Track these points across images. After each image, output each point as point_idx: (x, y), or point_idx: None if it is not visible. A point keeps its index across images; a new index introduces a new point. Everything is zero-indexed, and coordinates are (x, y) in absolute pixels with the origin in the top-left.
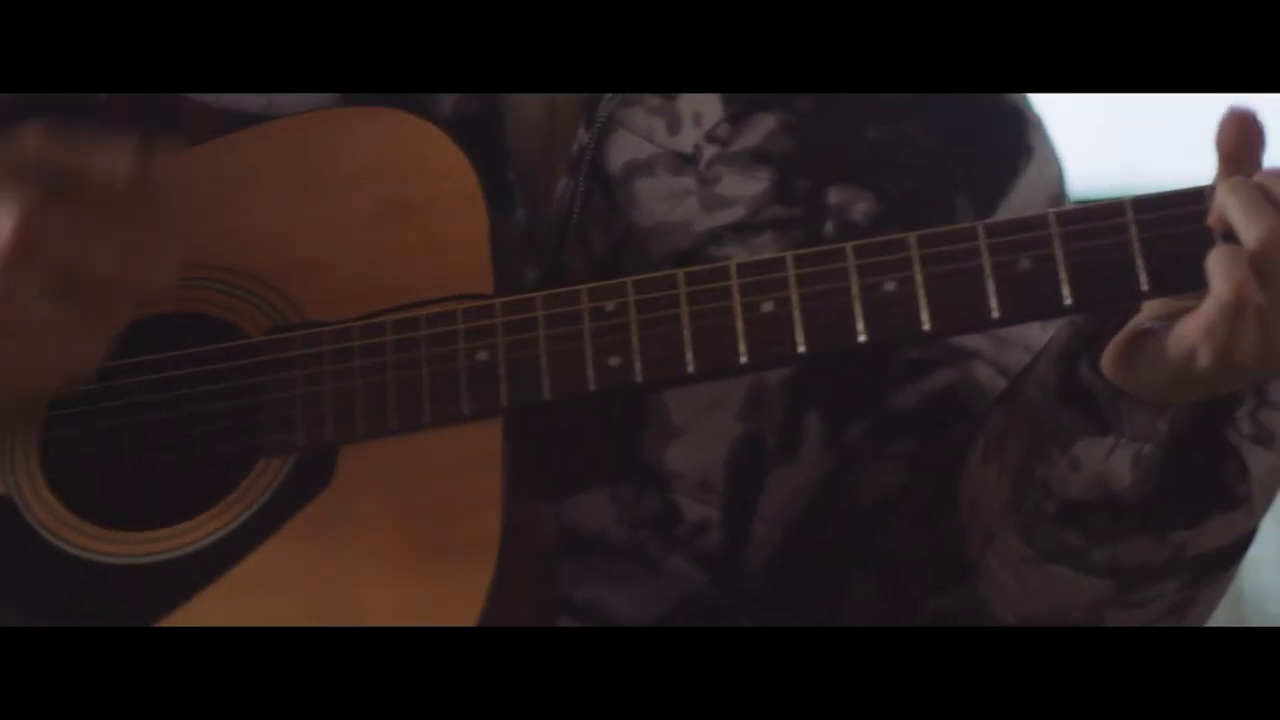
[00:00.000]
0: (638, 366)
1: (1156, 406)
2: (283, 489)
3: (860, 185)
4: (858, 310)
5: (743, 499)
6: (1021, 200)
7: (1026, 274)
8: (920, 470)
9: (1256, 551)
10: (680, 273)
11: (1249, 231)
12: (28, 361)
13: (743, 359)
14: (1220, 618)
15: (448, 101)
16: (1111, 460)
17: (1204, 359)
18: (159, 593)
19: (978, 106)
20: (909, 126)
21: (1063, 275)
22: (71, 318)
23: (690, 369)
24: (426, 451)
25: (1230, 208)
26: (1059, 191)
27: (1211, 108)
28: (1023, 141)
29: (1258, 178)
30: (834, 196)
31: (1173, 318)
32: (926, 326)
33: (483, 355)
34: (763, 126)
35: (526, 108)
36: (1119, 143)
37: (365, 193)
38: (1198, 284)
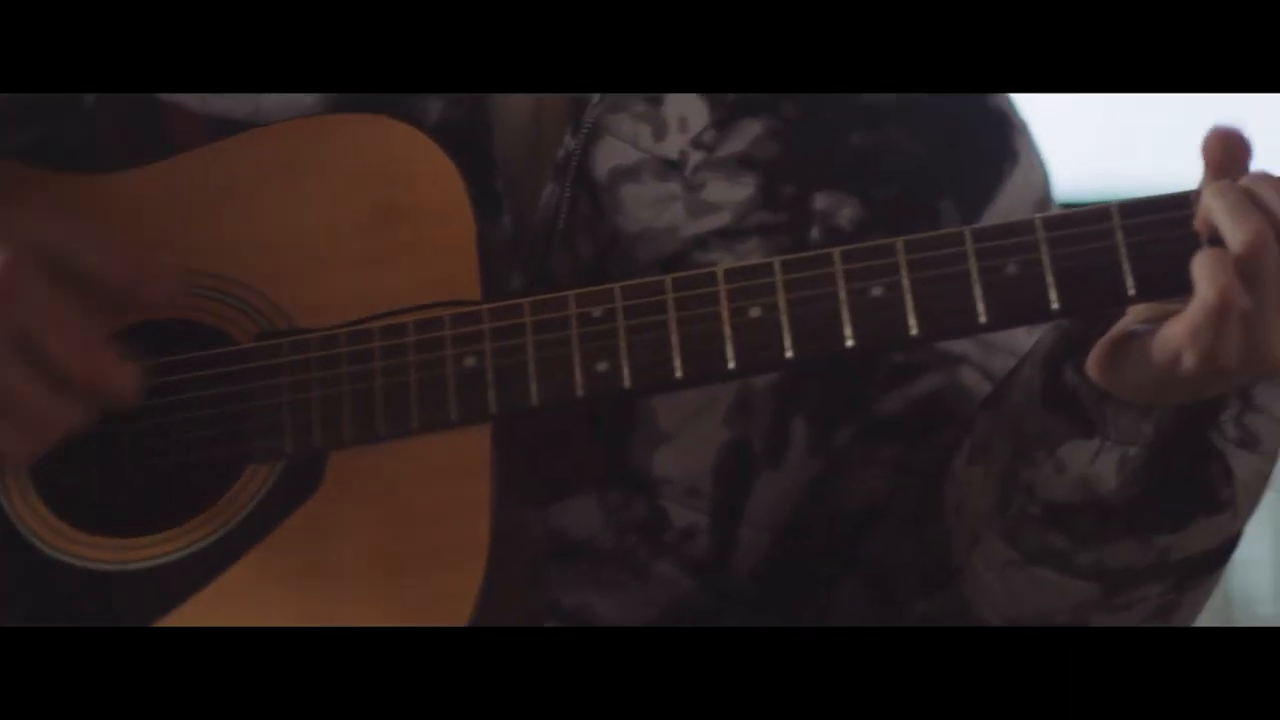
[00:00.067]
0: (626, 372)
1: (1142, 410)
2: (271, 495)
3: (846, 191)
4: (845, 315)
5: (730, 504)
6: (1007, 205)
7: (1013, 279)
8: (907, 475)
9: (1246, 553)
10: (668, 278)
11: (1235, 235)
12: None
13: (730, 364)
14: (1209, 620)
15: (434, 108)
16: (1097, 463)
17: (1189, 362)
18: (149, 599)
19: (963, 112)
20: (894, 132)
21: (1049, 280)
22: (26, 387)
23: (678, 374)
24: (415, 457)
25: (1216, 211)
26: (1044, 196)
27: (1204, 108)
28: (1008, 146)
29: (1244, 181)
30: (820, 202)
31: (1158, 321)
32: (914, 331)
33: (471, 361)
34: (748, 132)
35: (512, 115)
36: (1115, 144)
37: (352, 199)
38: (1184, 288)
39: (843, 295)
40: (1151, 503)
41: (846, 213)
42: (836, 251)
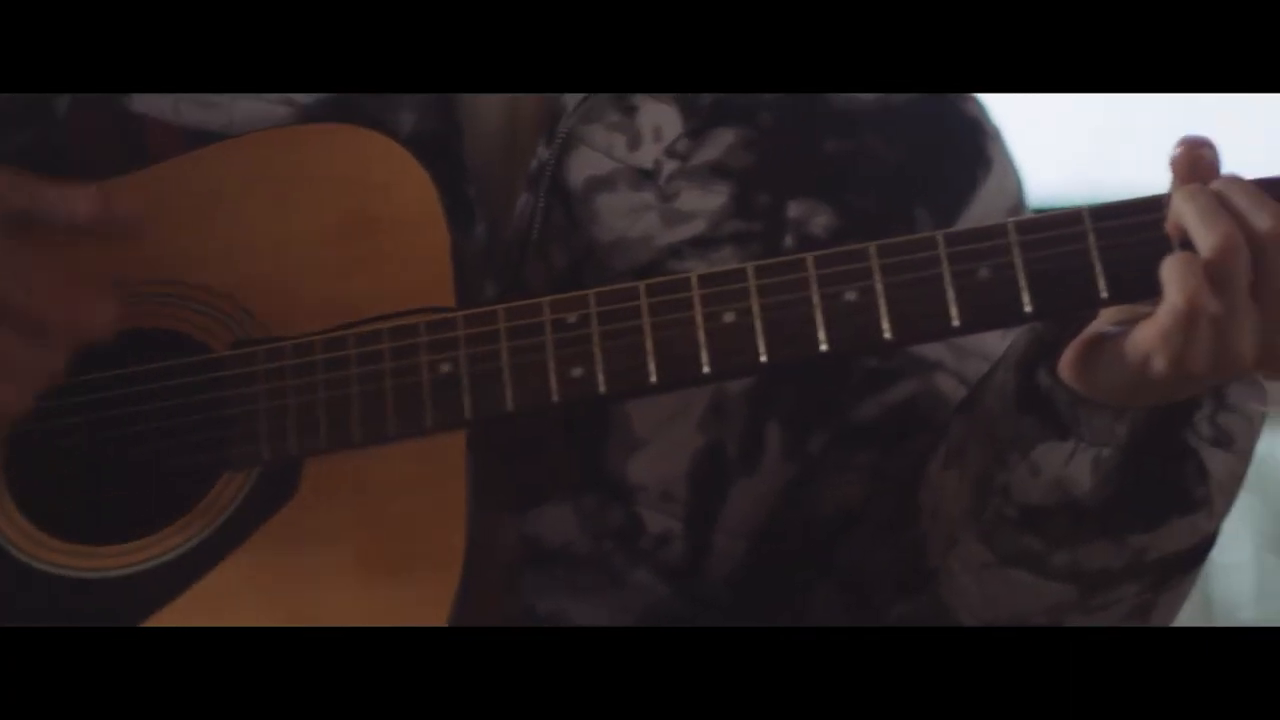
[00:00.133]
0: (600, 377)
1: (1115, 411)
2: (248, 502)
3: (820, 199)
4: (819, 320)
5: (705, 510)
6: (980, 212)
7: (986, 282)
8: (883, 481)
9: (1226, 558)
10: (642, 284)
11: (1204, 239)
12: None
13: (705, 369)
14: (1190, 623)
15: (407, 119)
16: (1071, 465)
17: (1159, 366)
18: (126, 606)
19: (936, 119)
20: (868, 140)
21: (1022, 283)
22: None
23: (653, 379)
24: (390, 463)
25: (1186, 215)
26: (1018, 202)
27: (1194, 109)
28: (982, 153)
29: (1215, 185)
30: (794, 210)
31: (1131, 322)
32: (888, 335)
33: (446, 368)
34: (722, 141)
35: (486, 125)
36: (1101, 149)
37: (327, 208)
38: (1156, 291)
39: (816, 300)
40: (1126, 503)
41: (820, 221)
42: (810, 257)
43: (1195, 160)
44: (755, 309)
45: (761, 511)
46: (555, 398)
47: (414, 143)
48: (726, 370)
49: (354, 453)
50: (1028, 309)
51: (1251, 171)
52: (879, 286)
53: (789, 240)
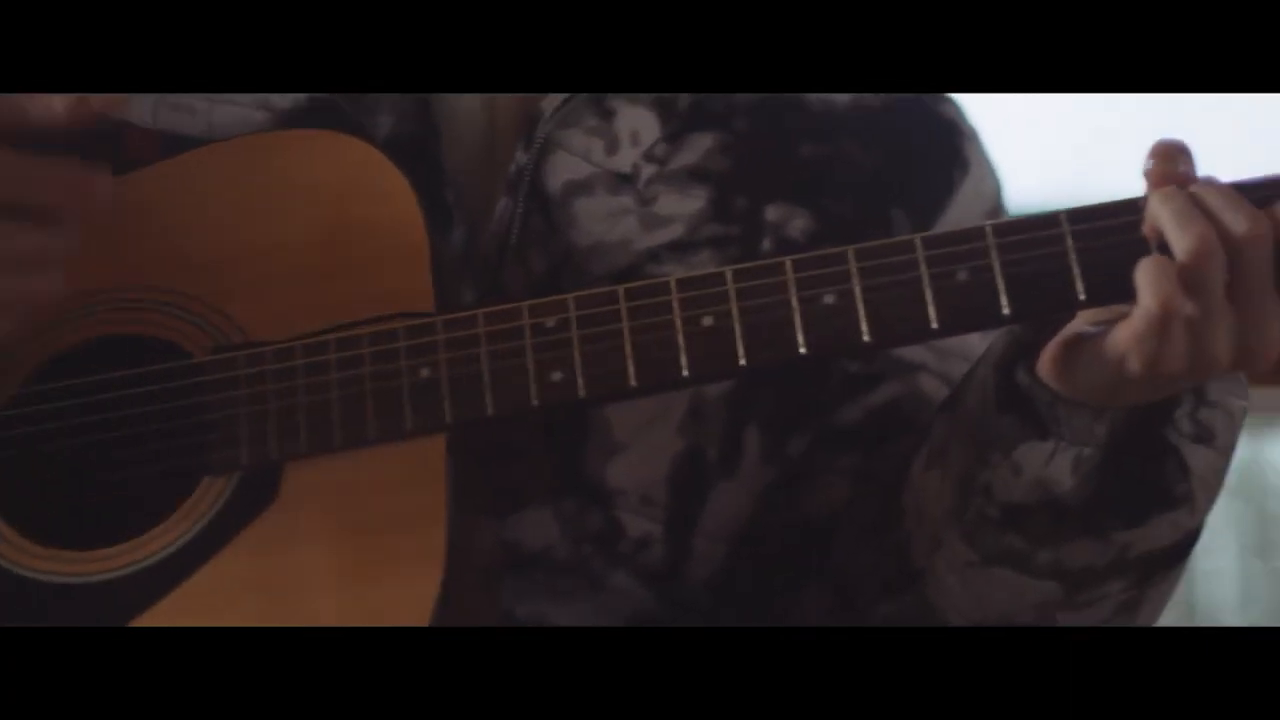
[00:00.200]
0: (580, 381)
1: (1095, 410)
2: (228, 506)
3: (797, 202)
4: (798, 323)
5: (685, 513)
6: (958, 214)
7: (964, 285)
8: (866, 484)
9: (1210, 564)
10: (620, 289)
11: (1180, 242)
12: None
13: (684, 373)
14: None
15: (385, 123)
16: (1052, 465)
17: (1134, 367)
18: (108, 611)
19: (913, 122)
20: (844, 144)
21: (1000, 286)
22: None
23: (632, 383)
24: (371, 468)
25: (1162, 218)
26: (996, 205)
27: (1177, 111)
28: (959, 155)
29: (1192, 188)
30: (771, 214)
31: (1110, 322)
32: (866, 338)
33: (425, 372)
34: (700, 145)
35: (464, 130)
36: (1098, 149)
37: (306, 214)
38: (1134, 294)
39: (795, 303)
40: (1108, 501)
41: (798, 224)
42: (788, 260)
43: (1169, 165)
44: (734, 313)
45: (741, 515)
46: (535, 401)
47: (391, 146)
48: (705, 374)
49: (334, 457)
50: (1006, 311)
51: (1231, 174)
52: (857, 290)
53: (767, 244)
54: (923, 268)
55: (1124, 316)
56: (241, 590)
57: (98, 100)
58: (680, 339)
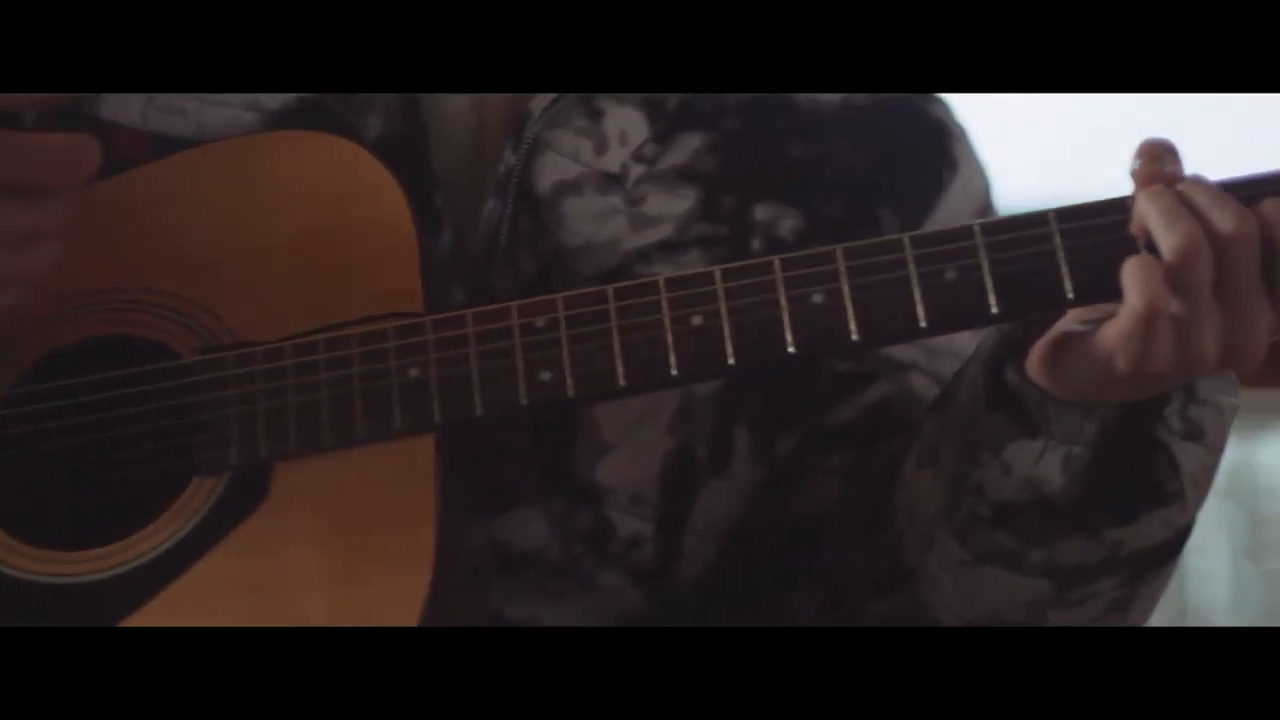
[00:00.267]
0: (569, 381)
1: (1084, 408)
2: (218, 506)
3: (786, 202)
4: (786, 322)
5: (675, 512)
6: (948, 214)
7: (952, 284)
8: (858, 483)
9: (1201, 565)
10: (609, 288)
11: (1166, 240)
12: None
13: (673, 372)
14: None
15: (374, 125)
16: (1042, 463)
17: (1121, 366)
18: (98, 612)
19: (901, 121)
20: (834, 143)
21: (988, 285)
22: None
23: (621, 383)
24: (360, 468)
25: (1149, 216)
26: (985, 204)
27: (1171, 111)
28: (947, 155)
29: (1179, 186)
30: (760, 214)
31: (1098, 321)
32: (855, 337)
33: (414, 372)
34: (689, 145)
35: (453, 131)
36: (1093, 148)
37: (295, 215)
38: (1122, 293)
39: (783, 302)
40: (1098, 499)
41: (788, 224)
42: (776, 260)
43: (1156, 164)
44: (723, 312)
45: (731, 514)
46: (524, 401)
47: (381, 148)
48: (694, 373)
49: (323, 457)
50: (994, 310)
51: (1234, 173)
52: (845, 289)
53: (756, 243)
54: (911, 267)
55: (1112, 315)
56: (231, 590)
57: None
58: (669, 338)
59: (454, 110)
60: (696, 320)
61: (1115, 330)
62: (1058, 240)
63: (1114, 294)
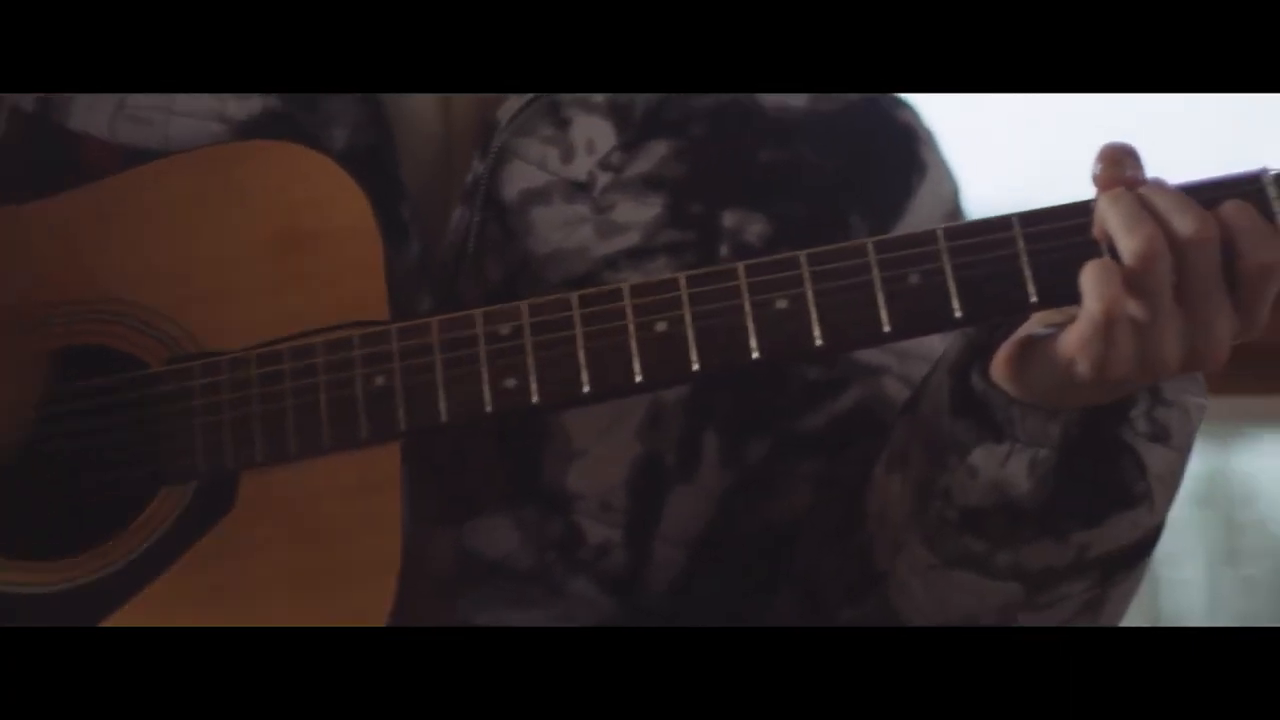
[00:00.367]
0: (534, 388)
1: (1048, 412)
2: (185, 516)
3: (754, 208)
4: (750, 328)
5: (644, 518)
6: (917, 218)
7: (916, 289)
8: (830, 489)
9: (1177, 573)
10: (574, 295)
11: (1127, 244)
12: None
13: (638, 379)
14: None
15: (341, 135)
16: (1008, 467)
17: (1082, 371)
18: (65, 620)
19: (869, 126)
20: (802, 149)
21: (952, 289)
22: None
23: (586, 389)
24: (326, 475)
25: (1110, 220)
26: (954, 207)
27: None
28: (916, 159)
29: (1140, 189)
30: (728, 220)
31: (1063, 325)
32: (819, 342)
33: (380, 380)
34: (655, 153)
35: (420, 140)
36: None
37: (261, 225)
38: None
39: (747, 308)
40: (1065, 502)
41: (756, 229)
42: (741, 266)
43: (1117, 168)
44: (687, 318)
45: (700, 520)
46: (489, 409)
47: (348, 158)
48: (659, 379)
49: (290, 465)
50: (958, 314)
51: (1189, 174)
52: (810, 294)
53: (724, 249)
54: (875, 271)
55: (1074, 319)
56: (199, 600)
57: None
58: (633, 345)
59: (421, 120)
60: (661, 326)
61: (1075, 335)
62: (1021, 244)
63: (1077, 297)
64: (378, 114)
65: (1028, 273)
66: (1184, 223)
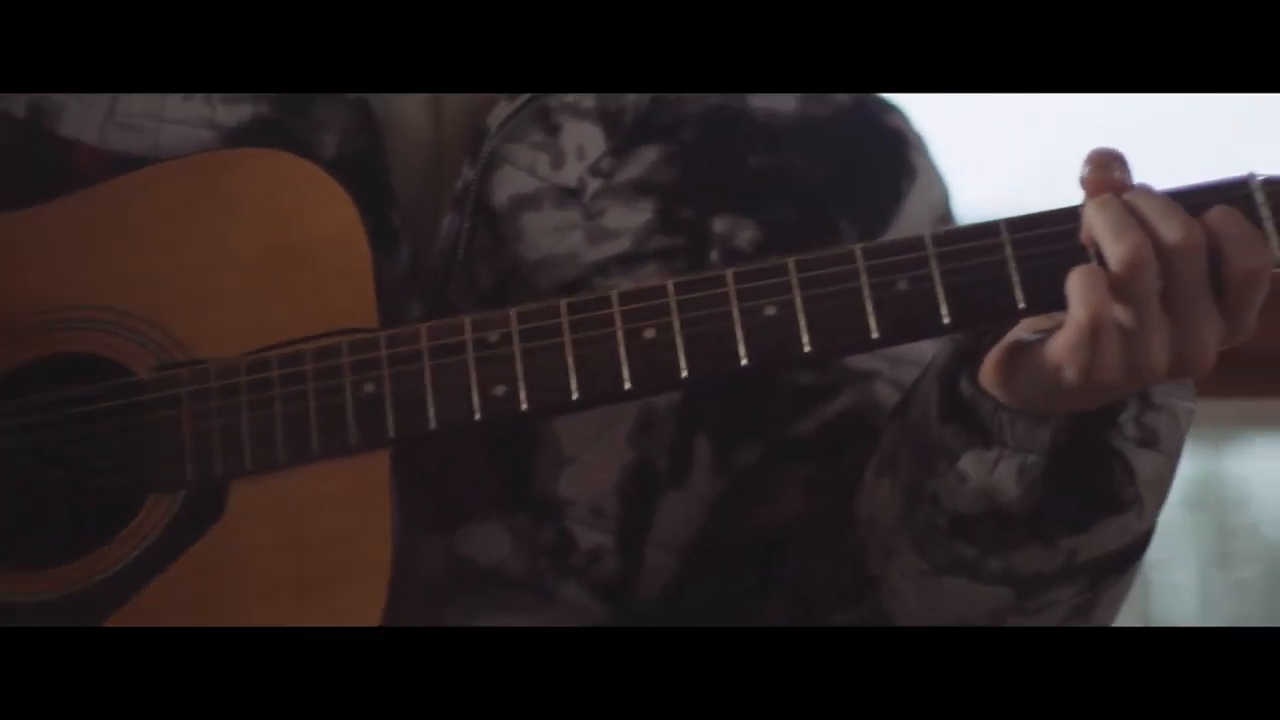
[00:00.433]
0: (522, 395)
1: (1037, 417)
2: (174, 524)
3: (744, 214)
4: (739, 334)
5: (635, 524)
6: (907, 223)
7: (904, 295)
8: (823, 494)
9: (1168, 578)
10: (563, 302)
11: (1113, 251)
12: None
13: (627, 385)
14: None
15: (330, 141)
16: (997, 472)
17: (1069, 377)
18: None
19: (859, 131)
20: (792, 154)
21: (940, 295)
22: None
23: (575, 396)
24: (316, 483)
25: (1096, 226)
26: (945, 212)
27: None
28: (905, 164)
29: (1126, 195)
30: (718, 225)
31: (1051, 330)
32: (807, 349)
33: (369, 388)
34: (645, 158)
35: (410, 148)
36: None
37: (251, 232)
38: None
39: (736, 315)
40: (1054, 507)
41: (746, 235)
42: (729, 272)
43: (1104, 173)
44: (676, 325)
45: (692, 525)
46: (478, 416)
47: (338, 165)
48: (648, 386)
49: (279, 473)
50: (946, 320)
51: (1189, 174)
52: (798, 301)
53: (714, 255)
54: (863, 278)
55: (1062, 325)
56: (188, 608)
57: None
58: (622, 351)
59: (411, 126)
60: (649, 333)
61: (1062, 341)
62: (1009, 250)
63: (1065, 304)
64: (368, 120)
65: (1016, 279)
66: (1170, 229)
